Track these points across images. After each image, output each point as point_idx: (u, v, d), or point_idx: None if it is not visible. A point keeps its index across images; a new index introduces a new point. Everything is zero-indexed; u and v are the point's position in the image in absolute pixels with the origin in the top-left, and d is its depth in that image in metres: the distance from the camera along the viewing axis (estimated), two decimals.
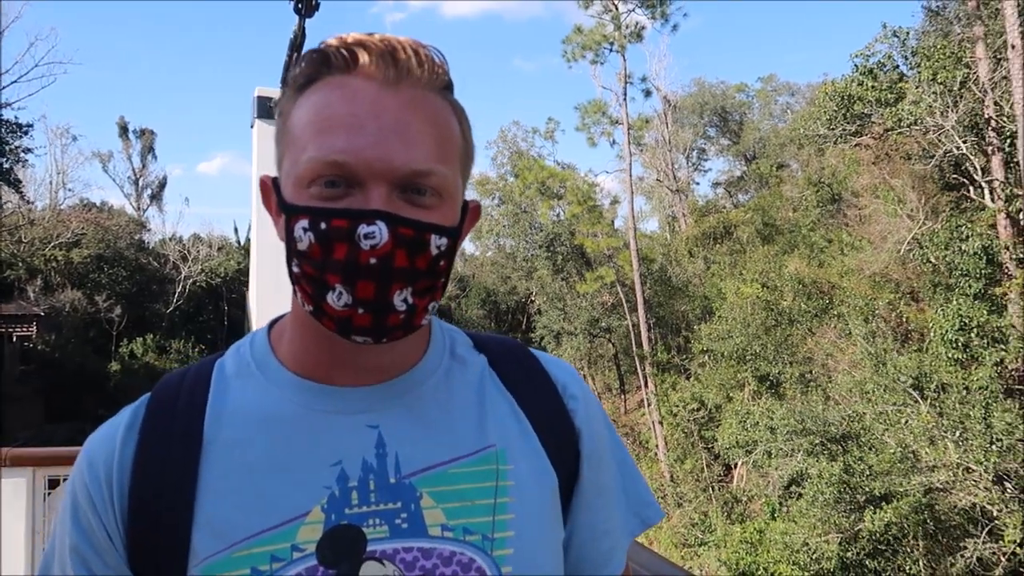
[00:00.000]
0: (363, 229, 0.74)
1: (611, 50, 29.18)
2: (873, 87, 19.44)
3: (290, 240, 0.79)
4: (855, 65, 20.31)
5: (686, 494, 19.63)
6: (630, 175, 28.58)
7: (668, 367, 25.52)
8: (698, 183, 47.03)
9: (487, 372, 0.94)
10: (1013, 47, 14.48)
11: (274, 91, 4.22)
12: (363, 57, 0.79)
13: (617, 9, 28.69)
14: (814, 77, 64.07)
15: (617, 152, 33.02)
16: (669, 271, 31.07)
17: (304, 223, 0.77)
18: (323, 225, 0.76)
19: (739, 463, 19.66)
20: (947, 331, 15.90)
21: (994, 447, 11.07)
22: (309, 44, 3.49)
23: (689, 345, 25.09)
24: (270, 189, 0.85)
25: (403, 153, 0.77)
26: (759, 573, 15.18)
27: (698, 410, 21.39)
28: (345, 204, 0.77)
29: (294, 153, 0.80)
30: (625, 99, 29.24)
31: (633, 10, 29.21)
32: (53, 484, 3.35)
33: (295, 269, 0.80)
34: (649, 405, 24.17)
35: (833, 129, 21.19)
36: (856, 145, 21.58)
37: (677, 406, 21.77)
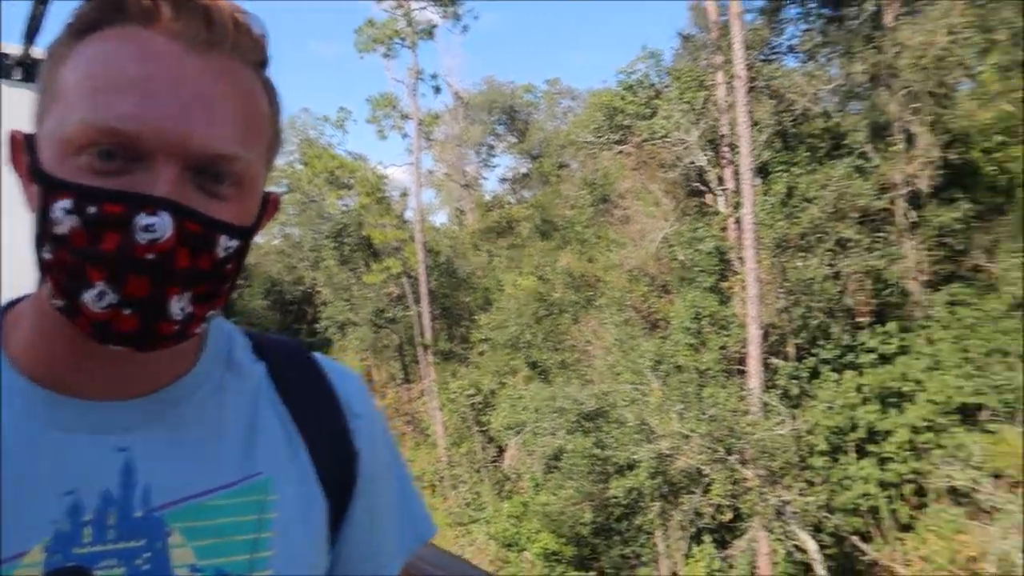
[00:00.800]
0: (143, 219, 0.62)
1: (403, 45, 29.68)
2: (633, 101, 21.60)
3: (44, 221, 0.66)
4: (619, 80, 22.45)
5: (461, 476, 20.69)
6: (417, 169, 29.26)
7: (450, 356, 26.54)
8: (486, 178, 48.88)
9: (264, 384, 0.84)
10: (739, 77, 16.81)
11: (16, 47, 3.76)
12: (168, 10, 0.67)
13: (409, 5, 29.17)
14: (597, 83, 68.53)
15: (408, 145, 33.59)
16: (455, 263, 32.12)
17: (66, 203, 0.64)
18: (92, 209, 0.63)
19: (510, 443, 21.06)
20: (684, 320, 18.20)
21: (705, 416, 13.07)
22: None
23: (471, 334, 26.25)
24: (22, 147, 0.71)
25: (205, 130, 0.66)
26: (522, 542, 16.46)
27: (475, 396, 22.56)
28: (123, 183, 0.64)
29: (61, 110, 0.66)
30: (415, 94, 29.85)
31: (424, 8, 29.85)
32: None
33: (46, 256, 0.66)
34: (430, 393, 25.04)
35: (600, 137, 23.22)
36: (620, 152, 23.80)
37: (456, 393, 22.79)
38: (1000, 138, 19.47)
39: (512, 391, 20.66)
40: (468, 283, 29.95)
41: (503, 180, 47.31)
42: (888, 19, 18.19)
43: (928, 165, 17.27)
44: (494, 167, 49.27)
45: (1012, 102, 18.98)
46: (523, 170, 45.87)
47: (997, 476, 13.05)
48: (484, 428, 21.92)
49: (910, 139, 17.78)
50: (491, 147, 47.36)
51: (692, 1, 23.91)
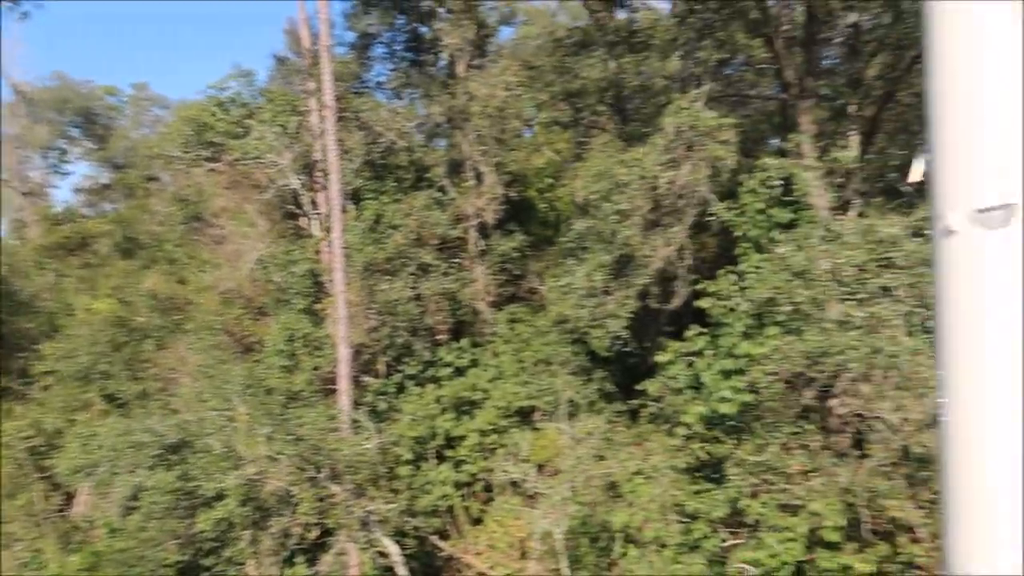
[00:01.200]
0: None
1: None
2: (224, 119, 20.97)
3: None
4: (210, 95, 21.61)
5: (16, 533, 17.78)
6: None
7: (4, 393, 22.66)
8: (58, 187, 42.99)
9: None
10: (328, 106, 17.47)
11: None
12: None
13: None
14: (192, 93, 64.64)
15: None
16: (13, 284, 27.60)
17: None
18: None
19: (81, 488, 18.73)
20: (278, 342, 18.21)
21: (293, 437, 13.29)
22: None
23: (31, 367, 22.77)
24: None
25: None
26: None
27: (34, 437, 19.60)
28: None
29: None
30: None
31: None
32: None
33: None
34: None
35: (189, 152, 22.05)
36: (212, 170, 22.86)
37: (10, 436, 19.55)
38: (549, 180, 23.26)
39: (83, 428, 18.42)
40: (30, 307, 25.95)
41: (78, 190, 42.04)
42: (460, 70, 20.54)
43: (493, 200, 19.84)
44: (67, 175, 43.49)
45: (556, 151, 22.84)
46: (103, 180, 41.25)
47: (541, 467, 15.52)
48: (47, 474, 19.13)
49: (479, 177, 20.25)
50: (63, 152, 41.83)
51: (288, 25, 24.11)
